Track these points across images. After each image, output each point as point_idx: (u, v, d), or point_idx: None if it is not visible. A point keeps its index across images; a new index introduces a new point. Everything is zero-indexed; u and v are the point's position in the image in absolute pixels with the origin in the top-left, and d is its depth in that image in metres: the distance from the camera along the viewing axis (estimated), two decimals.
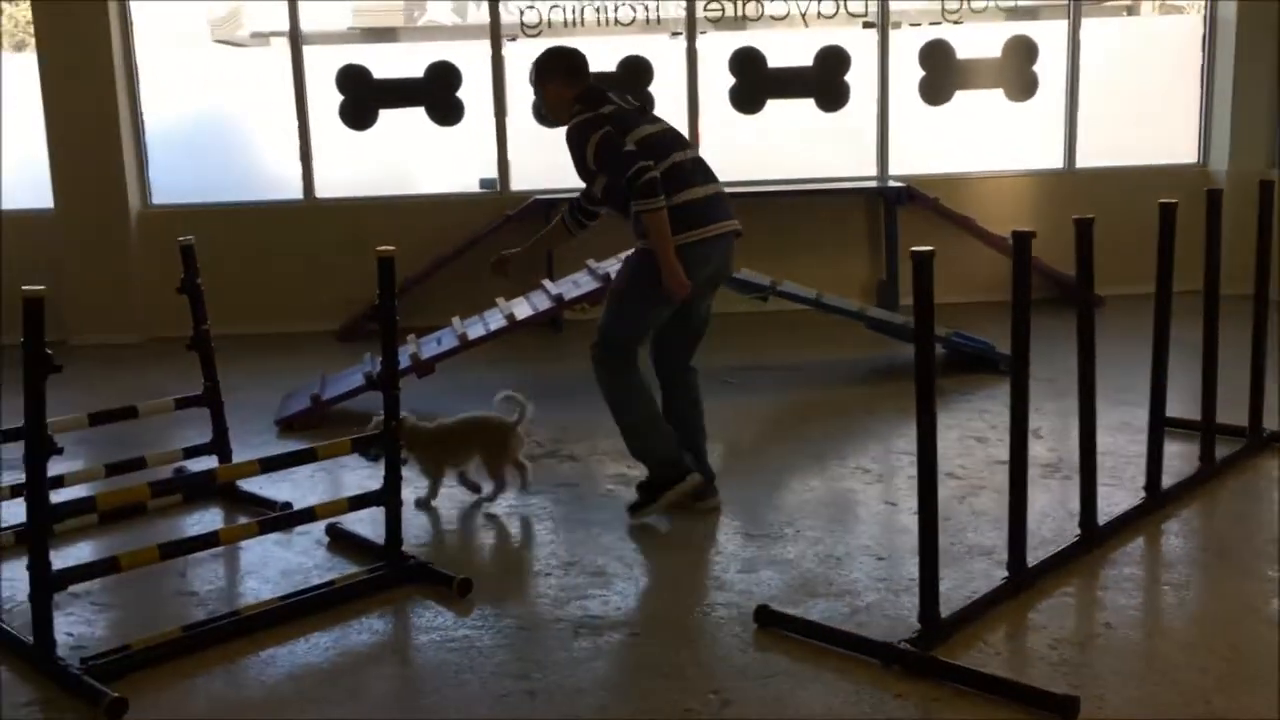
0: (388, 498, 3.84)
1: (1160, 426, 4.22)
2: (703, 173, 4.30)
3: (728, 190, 4.43)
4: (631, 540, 4.14)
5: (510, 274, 4.80)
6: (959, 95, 8.31)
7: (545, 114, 4.58)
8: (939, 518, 4.11)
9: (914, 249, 3.11)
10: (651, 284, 4.16)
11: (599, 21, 8.18)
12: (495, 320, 6.06)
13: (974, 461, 4.87)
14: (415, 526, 4.29)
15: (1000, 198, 8.33)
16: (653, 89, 8.17)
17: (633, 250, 4.34)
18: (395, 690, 3.14)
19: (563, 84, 4.29)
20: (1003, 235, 7.93)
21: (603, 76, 5.14)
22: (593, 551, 4.06)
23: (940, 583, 3.43)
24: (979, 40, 8.33)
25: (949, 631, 3.26)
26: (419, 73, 8.11)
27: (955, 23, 8.31)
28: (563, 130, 4.35)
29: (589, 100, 4.24)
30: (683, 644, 3.33)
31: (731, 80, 8.22)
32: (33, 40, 7.66)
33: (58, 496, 4.03)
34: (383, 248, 3.74)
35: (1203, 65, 8.37)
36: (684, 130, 8.02)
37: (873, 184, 8.27)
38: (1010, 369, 3.58)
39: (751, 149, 8.36)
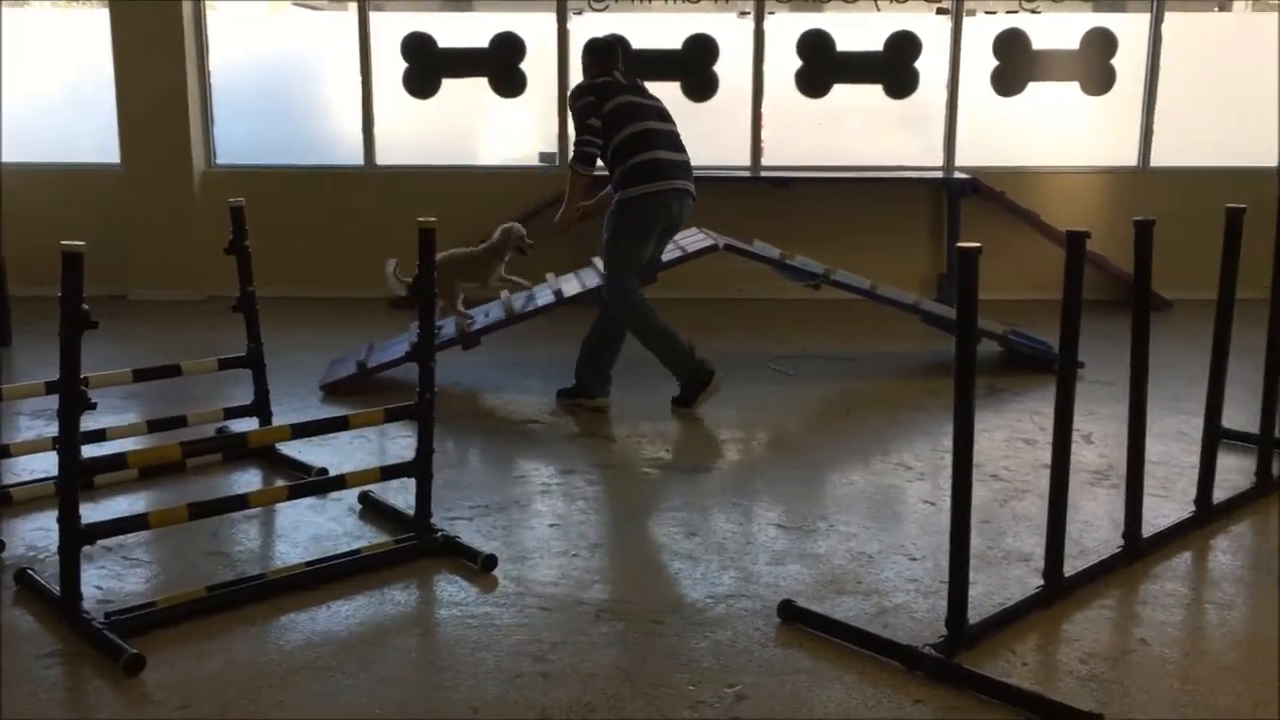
0: (419, 469, 3.83)
1: (1215, 438, 4.07)
2: (671, 143, 5.29)
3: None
4: (661, 525, 4.10)
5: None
6: (1033, 86, 8.11)
7: None
8: (979, 520, 4.04)
9: (960, 244, 3.01)
10: (628, 227, 5.23)
11: None
12: (544, 296, 6.03)
13: (1020, 464, 4.75)
14: (448, 499, 4.28)
15: (1070, 194, 8.13)
16: (718, 68, 8.08)
17: (613, 203, 5.29)
18: (409, 663, 3.13)
19: (590, 64, 5.41)
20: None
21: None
22: (623, 535, 4.02)
23: (973, 587, 3.34)
24: (1056, 31, 8.10)
25: (976, 638, 3.18)
26: (484, 43, 8.09)
27: (1033, 12, 8.08)
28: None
29: (594, 74, 5.33)
30: (703, 635, 3.28)
31: (799, 63, 8.08)
32: None
33: (100, 450, 4.09)
34: (424, 219, 3.73)
35: None
36: (746, 110, 8.04)
37: (938, 174, 8.10)
38: (1060, 370, 3.46)
39: (814, 134, 8.24)
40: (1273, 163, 8.16)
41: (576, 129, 5.24)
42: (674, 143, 5.32)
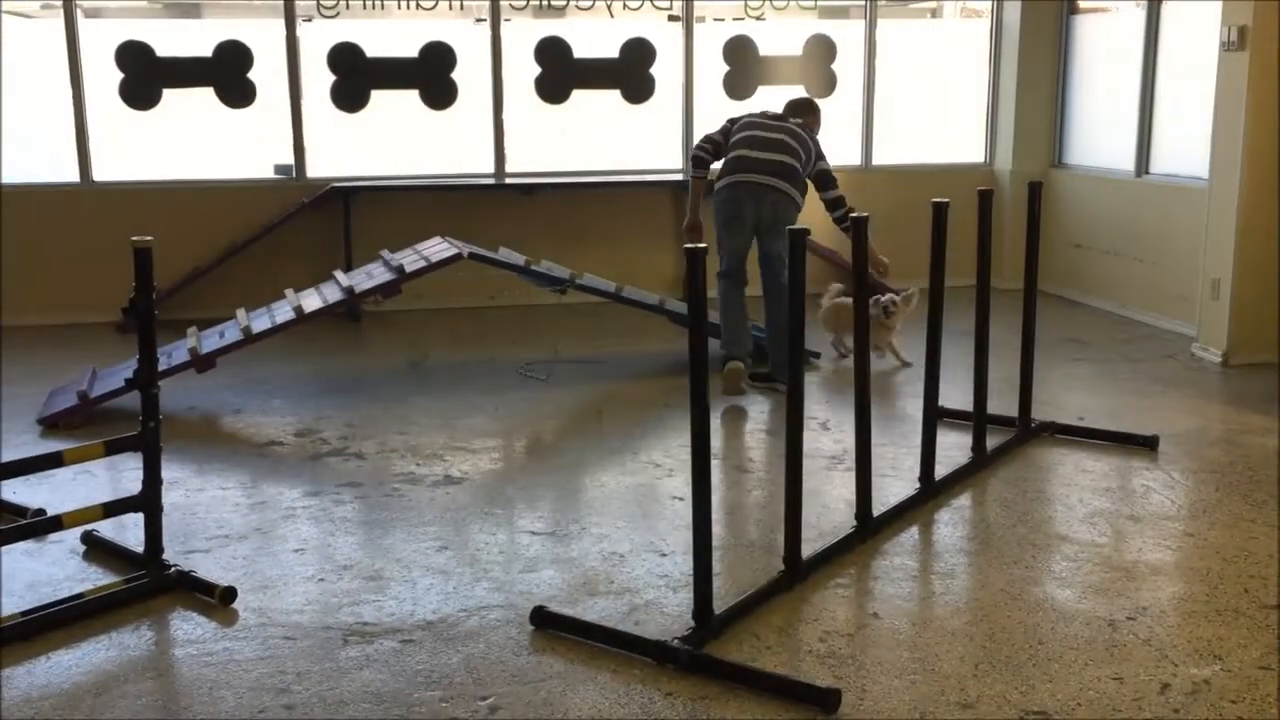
0: (146, 502, 3.62)
1: (933, 418, 4.35)
2: (762, 145, 5.77)
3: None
4: (413, 541, 4.02)
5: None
6: (762, 90, 8.43)
7: None
8: (724, 512, 4.18)
9: (686, 245, 3.09)
10: (715, 217, 5.86)
11: (400, 4, 7.96)
12: (283, 313, 5.82)
13: (763, 454, 4.93)
14: (185, 533, 4.07)
15: None
16: (456, 76, 8.01)
17: None
18: (140, 710, 2.94)
19: None
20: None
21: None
22: (371, 554, 3.92)
23: (719, 578, 3.45)
24: (781, 37, 8.46)
25: (722, 627, 3.27)
26: (207, 51, 7.73)
27: (758, 19, 8.42)
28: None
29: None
30: (455, 649, 3.24)
31: (537, 69, 8.12)
32: None
33: None
34: (138, 238, 3.53)
35: (989, 69, 8.73)
36: (490, 119, 8.02)
37: (679, 176, 8.31)
38: (790, 362, 3.60)
39: (556, 139, 8.30)
40: (981, 159, 8.82)
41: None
42: (766, 144, 5.76)
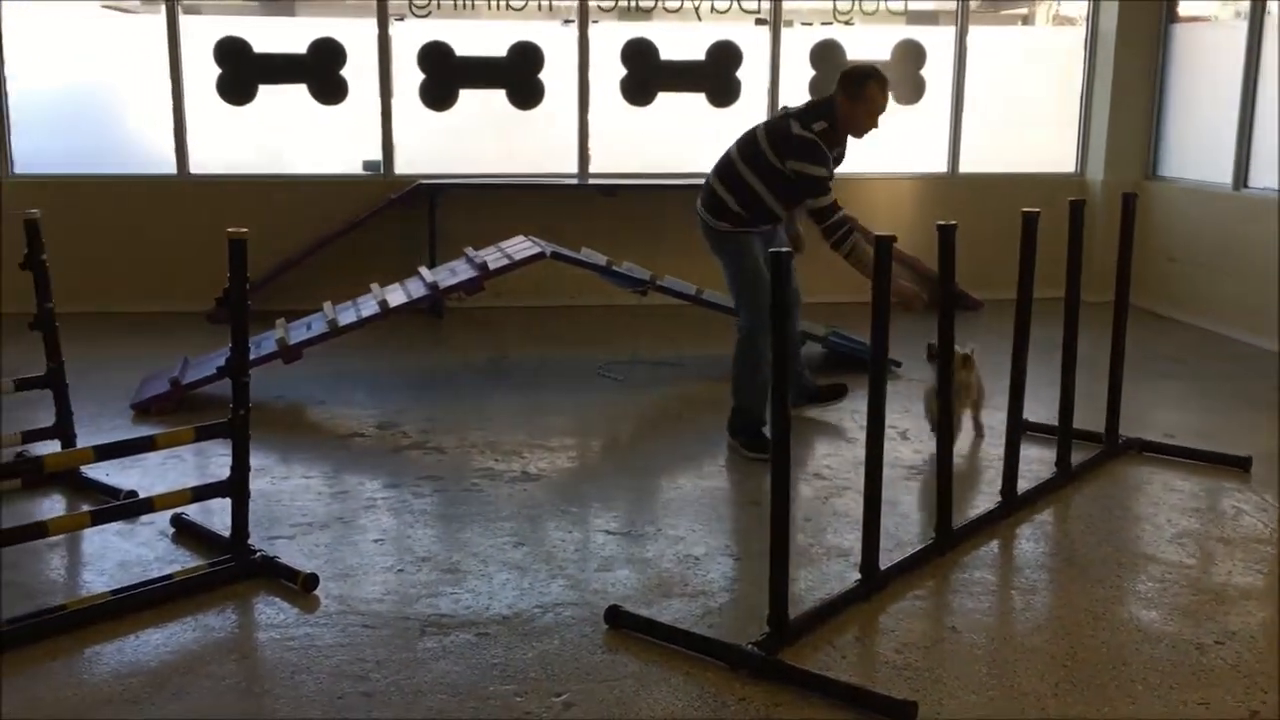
0: (234, 488, 3.70)
1: (1017, 431, 4.27)
2: (716, 163, 5.18)
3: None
4: (490, 536, 4.06)
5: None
6: None
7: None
8: (801, 518, 4.16)
9: (773, 249, 3.08)
10: None
11: (490, 5, 8.04)
12: (368, 307, 5.91)
13: (841, 462, 4.89)
14: (270, 519, 4.15)
15: (886, 199, 8.41)
16: (543, 77, 8.07)
17: None
18: (224, 691, 3.02)
19: None
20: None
21: None
22: (450, 548, 3.97)
23: (794, 584, 3.43)
24: (869, 42, 8.39)
25: (798, 634, 3.25)
26: (302, 49, 7.88)
27: (846, 23, 8.36)
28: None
29: None
30: (530, 645, 3.27)
31: (623, 71, 8.15)
32: None
33: None
34: (234, 229, 3.62)
35: (1083, 77, 8.56)
36: (575, 119, 8.08)
37: None
38: (872, 370, 3.57)
39: (641, 141, 8.32)
40: (1071, 169, 8.65)
41: None
42: (717, 163, 5.16)
